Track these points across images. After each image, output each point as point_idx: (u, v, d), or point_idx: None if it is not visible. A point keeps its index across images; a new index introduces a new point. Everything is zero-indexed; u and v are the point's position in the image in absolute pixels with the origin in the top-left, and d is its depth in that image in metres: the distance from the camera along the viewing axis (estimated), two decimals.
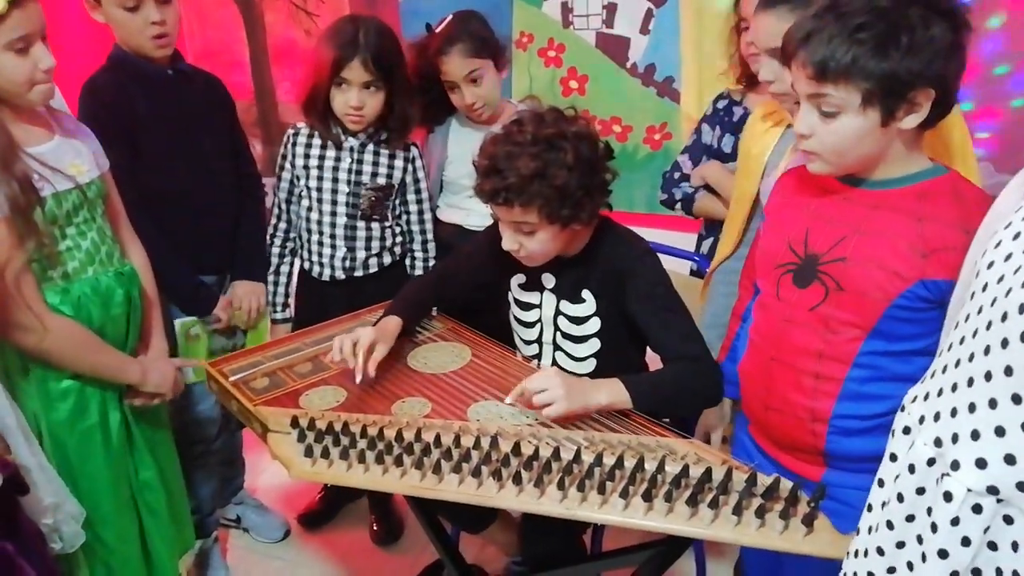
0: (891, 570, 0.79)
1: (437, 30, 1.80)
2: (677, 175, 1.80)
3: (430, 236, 1.91)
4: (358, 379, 1.32)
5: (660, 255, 1.39)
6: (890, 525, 0.79)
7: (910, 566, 0.76)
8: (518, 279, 1.44)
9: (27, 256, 1.26)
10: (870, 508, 0.84)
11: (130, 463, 1.49)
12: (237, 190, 1.83)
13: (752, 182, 1.50)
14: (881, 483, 0.83)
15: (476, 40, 1.75)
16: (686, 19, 2.39)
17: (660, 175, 1.95)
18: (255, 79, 3.13)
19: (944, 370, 0.76)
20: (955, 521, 0.71)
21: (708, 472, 1.07)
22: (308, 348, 1.53)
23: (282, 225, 1.89)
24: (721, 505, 1.03)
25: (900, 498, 0.78)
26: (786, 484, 1.05)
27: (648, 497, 1.04)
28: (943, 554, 0.72)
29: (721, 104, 1.79)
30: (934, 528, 0.73)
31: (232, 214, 1.82)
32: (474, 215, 1.87)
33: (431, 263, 1.91)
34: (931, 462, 0.74)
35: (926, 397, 0.78)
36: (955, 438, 0.72)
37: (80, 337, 1.34)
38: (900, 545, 0.78)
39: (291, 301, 1.94)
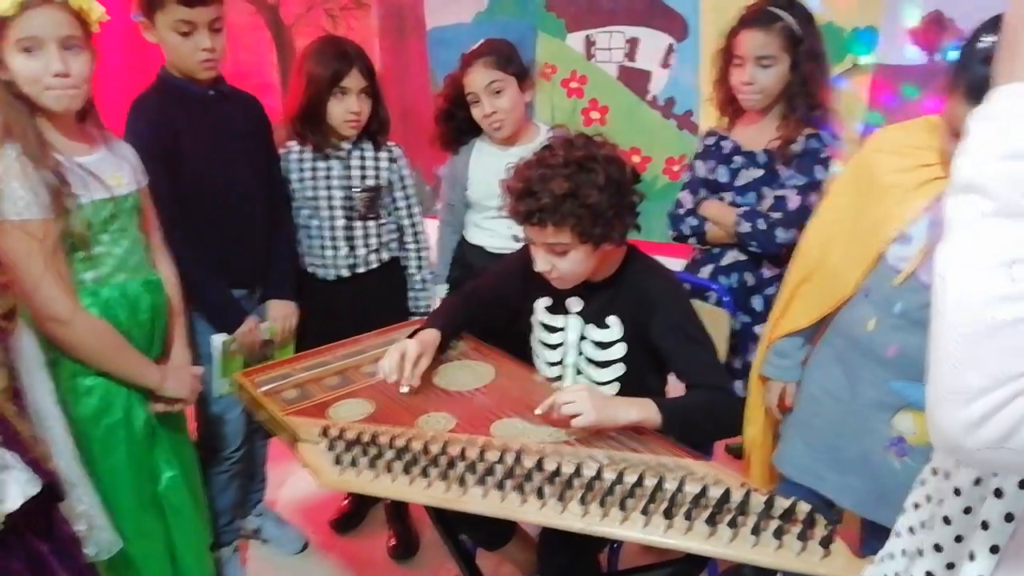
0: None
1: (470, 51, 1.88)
2: (681, 211, 1.87)
3: (420, 229, 2.02)
4: (404, 390, 1.39)
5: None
6: (938, 548, 0.80)
7: None
8: (544, 302, 1.49)
9: (64, 254, 1.34)
10: (898, 534, 0.86)
11: (155, 461, 1.54)
12: (269, 207, 1.89)
13: (876, 243, 1.33)
14: (916, 506, 0.84)
15: (501, 56, 1.84)
16: (706, 54, 2.46)
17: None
18: (284, 102, 3.22)
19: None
20: (1009, 518, 0.71)
21: (727, 493, 1.10)
22: (336, 362, 1.57)
23: None
24: (740, 525, 1.06)
25: (947, 520, 0.79)
26: (803, 507, 1.08)
27: (668, 515, 1.07)
28: (995, 550, 0.72)
29: (710, 141, 1.88)
30: (985, 526, 0.74)
31: (264, 230, 1.88)
32: (497, 237, 1.94)
33: (424, 253, 2.03)
34: (977, 482, 0.75)
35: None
36: None
37: (106, 335, 1.40)
38: (950, 567, 0.79)
39: None
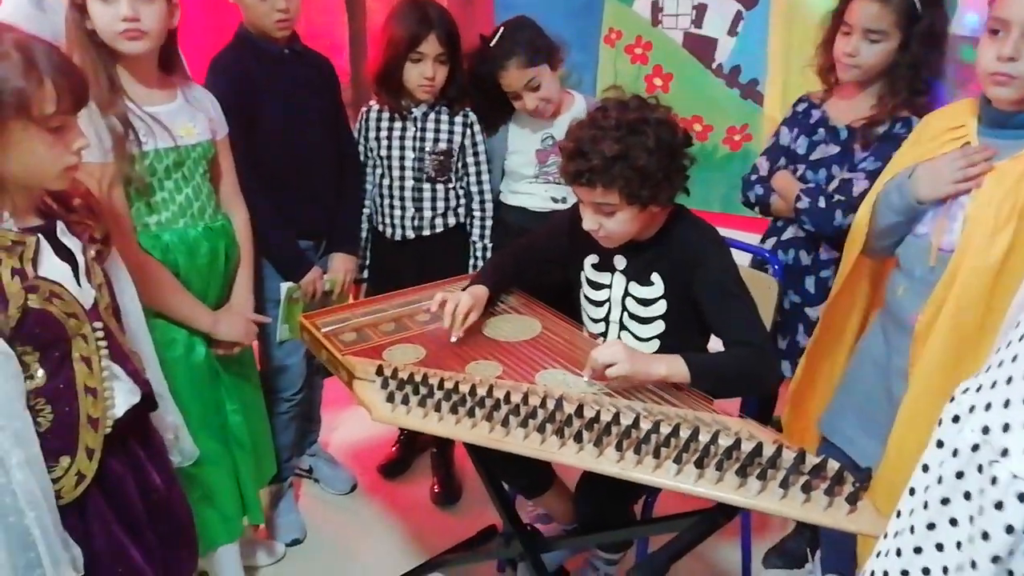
0: (917, 550, 0.83)
1: (492, 43, 1.89)
2: (754, 177, 1.80)
3: (487, 196, 2.05)
4: (453, 338, 1.46)
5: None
6: (925, 506, 0.83)
7: (939, 547, 0.80)
8: (591, 259, 1.53)
9: (125, 197, 1.42)
10: (912, 492, 0.89)
11: (219, 397, 1.64)
12: (338, 164, 1.97)
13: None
14: (925, 468, 0.86)
15: (530, 50, 1.85)
16: (775, 23, 2.43)
17: (738, 176, 1.97)
18: (352, 63, 3.30)
19: (1000, 364, 0.77)
20: (999, 505, 0.73)
21: (759, 447, 1.14)
22: (392, 309, 1.65)
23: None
24: (769, 478, 1.10)
25: (939, 480, 0.82)
26: (833, 464, 1.10)
27: (700, 465, 1.11)
28: (985, 536, 0.74)
29: (801, 107, 1.79)
30: (980, 511, 0.76)
31: (332, 186, 1.96)
32: (535, 198, 2.01)
33: (488, 221, 2.05)
34: (975, 448, 0.76)
35: (978, 389, 0.79)
36: (1006, 427, 0.73)
37: (161, 277, 1.49)
38: (931, 527, 0.82)
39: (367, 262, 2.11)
